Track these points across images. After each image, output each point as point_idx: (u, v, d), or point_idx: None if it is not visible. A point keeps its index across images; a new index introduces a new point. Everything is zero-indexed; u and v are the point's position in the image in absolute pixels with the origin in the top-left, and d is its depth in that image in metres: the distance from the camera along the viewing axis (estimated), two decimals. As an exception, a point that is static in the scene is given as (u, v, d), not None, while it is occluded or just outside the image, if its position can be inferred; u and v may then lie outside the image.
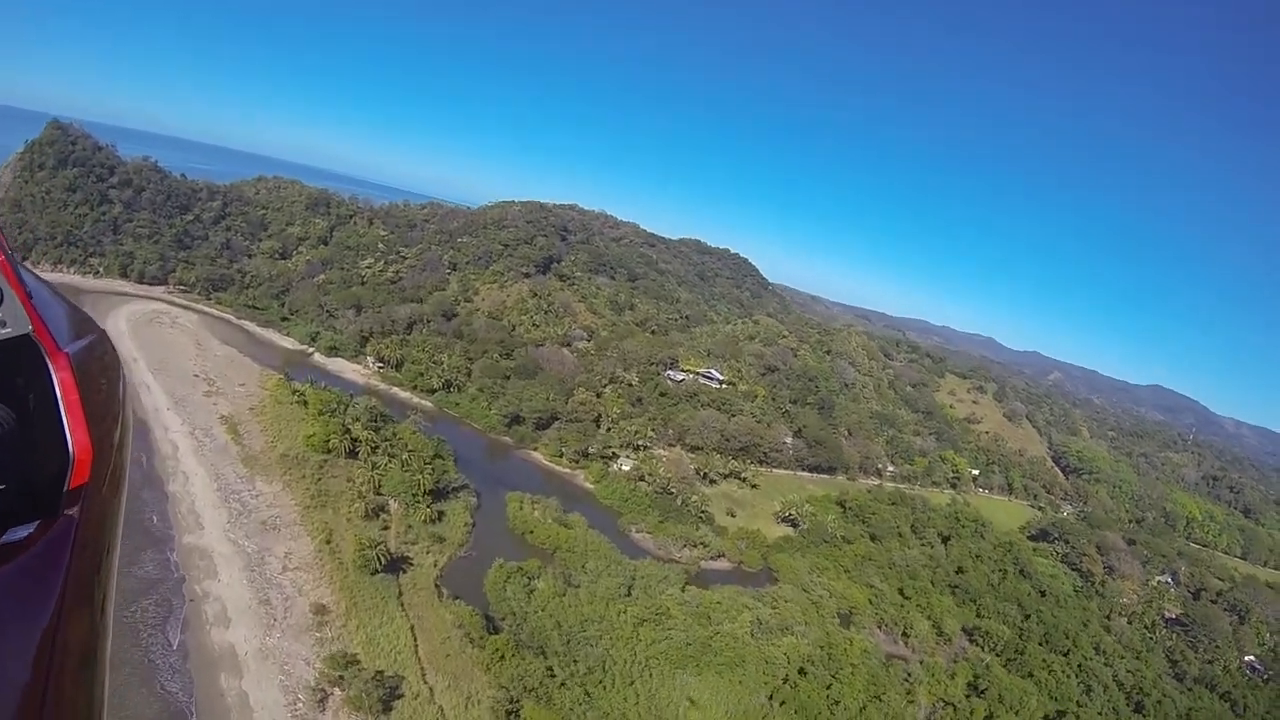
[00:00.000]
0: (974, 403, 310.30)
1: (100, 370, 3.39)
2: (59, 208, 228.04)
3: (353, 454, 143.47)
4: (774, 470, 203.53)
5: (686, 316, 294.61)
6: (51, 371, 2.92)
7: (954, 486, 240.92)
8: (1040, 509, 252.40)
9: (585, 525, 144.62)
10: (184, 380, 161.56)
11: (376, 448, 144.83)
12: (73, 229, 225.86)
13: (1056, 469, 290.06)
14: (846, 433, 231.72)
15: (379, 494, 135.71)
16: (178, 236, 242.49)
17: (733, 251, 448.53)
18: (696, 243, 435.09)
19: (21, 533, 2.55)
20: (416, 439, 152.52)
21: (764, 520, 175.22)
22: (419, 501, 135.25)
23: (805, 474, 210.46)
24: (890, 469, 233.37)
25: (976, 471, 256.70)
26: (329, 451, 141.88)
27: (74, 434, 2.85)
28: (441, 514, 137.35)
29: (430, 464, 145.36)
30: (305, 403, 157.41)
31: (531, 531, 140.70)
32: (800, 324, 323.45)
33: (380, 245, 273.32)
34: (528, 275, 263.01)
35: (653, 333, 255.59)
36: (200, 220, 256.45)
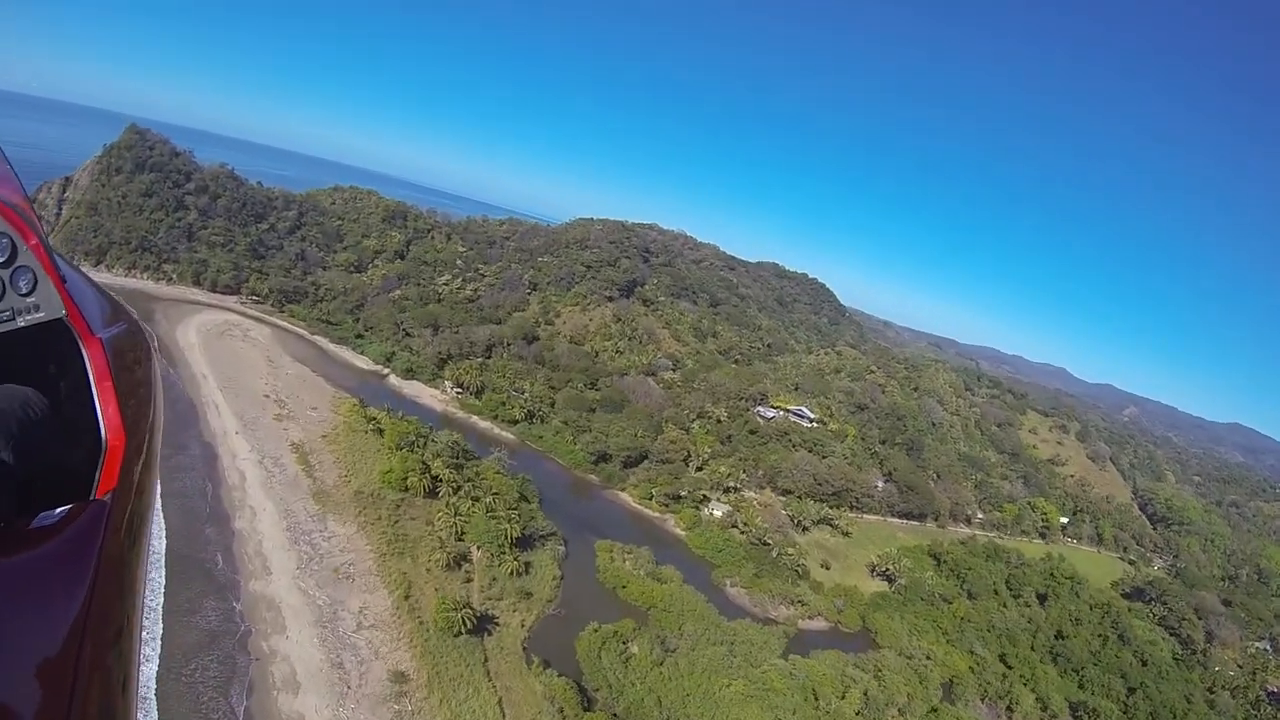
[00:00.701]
0: (1058, 443, 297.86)
1: (133, 355, 3.38)
2: (134, 213, 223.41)
3: (432, 493, 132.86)
4: (865, 516, 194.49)
5: (768, 345, 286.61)
6: (85, 356, 2.97)
7: (1043, 536, 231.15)
8: (1131, 563, 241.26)
9: (680, 580, 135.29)
10: (254, 401, 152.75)
11: (458, 488, 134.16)
12: (147, 234, 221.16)
13: (1144, 518, 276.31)
14: (935, 475, 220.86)
15: (461, 539, 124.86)
16: (252, 245, 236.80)
17: (810, 276, 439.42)
18: (775, 266, 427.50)
19: (55, 517, 2.56)
20: (501, 480, 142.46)
21: (858, 573, 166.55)
22: (505, 552, 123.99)
23: (896, 520, 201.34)
24: (979, 516, 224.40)
25: (1066, 520, 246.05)
26: (406, 489, 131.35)
27: (107, 418, 2.89)
28: (528, 565, 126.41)
29: (516, 508, 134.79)
30: (381, 431, 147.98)
31: (624, 586, 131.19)
32: (885, 357, 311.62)
33: (458, 262, 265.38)
34: (610, 299, 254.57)
35: (736, 362, 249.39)
36: (275, 229, 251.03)
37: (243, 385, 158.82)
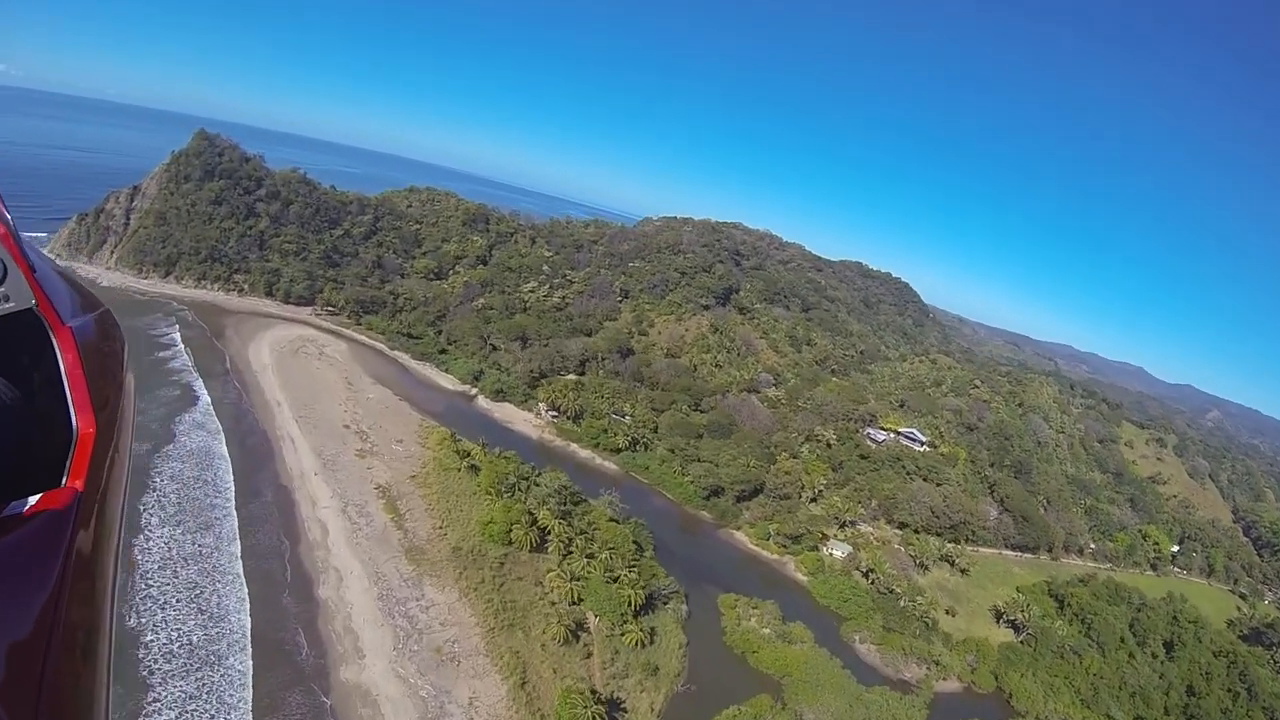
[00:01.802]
0: (1158, 459, 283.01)
1: (104, 345, 3.38)
2: (204, 221, 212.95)
3: (540, 547, 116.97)
4: (980, 550, 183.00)
5: (861, 352, 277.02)
6: (55, 345, 3.00)
7: (1155, 568, 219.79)
8: (1243, 597, 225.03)
9: (811, 641, 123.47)
10: (333, 434, 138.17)
11: (569, 542, 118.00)
12: (217, 244, 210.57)
13: (1249, 544, 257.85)
14: (1045, 501, 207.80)
15: (576, 603, 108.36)
16: (326, 253, 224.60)
17: (894, 276, 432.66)
18: (859, 265, 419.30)
19: (24, 505, 2.59)
20: (614, 529, 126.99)
21: (982, 620, 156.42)
22: (627, 621, 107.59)
23: (1010, 553, 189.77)
24: (1091, 546, 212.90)
25: (1175, 548, 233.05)
26: (510, 543, 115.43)
27: (77, 407, 2.91)
28: (652, 631, 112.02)
29: (635, 566, 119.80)
30: (476, 469, 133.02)
31: (754, 652, 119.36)
32: (986, 370, 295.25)
33: (545, 267, 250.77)
34: (706, 307, 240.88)
35: (833, 372, 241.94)
36: (350, 235, 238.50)
37: (320, 414, 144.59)
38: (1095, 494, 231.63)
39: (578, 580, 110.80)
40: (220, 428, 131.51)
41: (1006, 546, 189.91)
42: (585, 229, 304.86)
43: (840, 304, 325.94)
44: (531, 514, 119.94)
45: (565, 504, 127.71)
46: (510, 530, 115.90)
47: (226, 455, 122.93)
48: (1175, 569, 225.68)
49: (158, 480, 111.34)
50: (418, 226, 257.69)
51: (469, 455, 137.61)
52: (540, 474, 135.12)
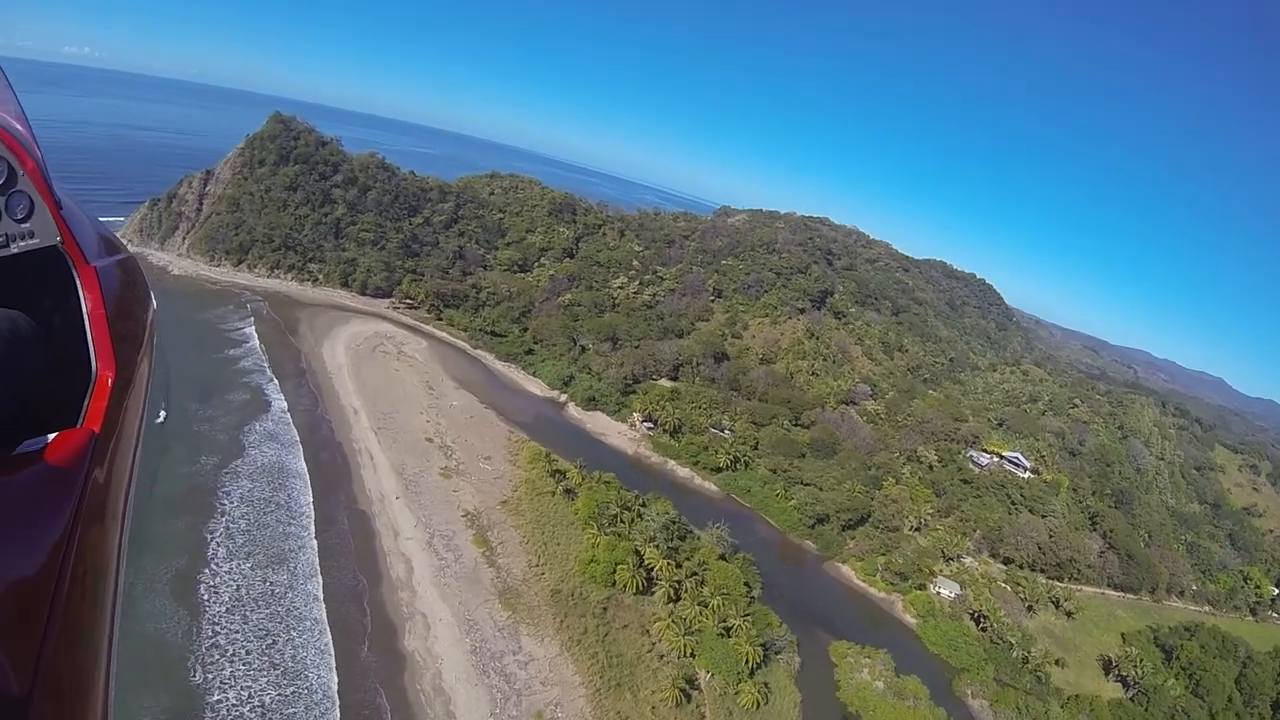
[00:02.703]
0: (1253, 488, 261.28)
1: (127, 288, 3.44)
2: (278, 208, 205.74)
3: (646, 589, 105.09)
4: (1081, 589, 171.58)
5: (950, 359, 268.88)
6: (78, 284, 3.04)
7: (1254, 613, 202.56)
8: None
9: (927, 698, 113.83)
10: (415, 449, 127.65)
11: (679, 585, 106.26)
12: (292, 231, 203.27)
13: None
14: (1147, 536, 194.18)
15: (687, 656, 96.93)
16: (405, 242, 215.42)
17: (978, 277, 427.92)
18: (943, 265, 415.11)
19: (40, 443, 2.59)
20: (724, 569, 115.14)
21: (1091, 672, 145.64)
22: (743, 680, 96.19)
23: (1112, 593, 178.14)
24: (1193, 587, 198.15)
25: (1277, 591, 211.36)
26: (614, 584, 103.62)
27: (98, 350, 2.96)
28: (767, 688, 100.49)
29: (748, 611, 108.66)
30: (571, 493, 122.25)
31: (870, 710, 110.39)
32: (1084, 387, 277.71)
33: (635, 262, 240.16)
34: (802, 310, 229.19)
35: (925, 380, 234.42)
36: (430, 224, 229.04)
37: (401, 425, 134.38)
38: (1196, 529, 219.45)
39: (691, 636, 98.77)
40: (297, 439, 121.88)
41: (1109, 586, 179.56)
42: (675, 222, 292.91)
43: (928, 307, 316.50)
44: (638, 553, 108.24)
45: (673, 538, 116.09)
46: (615, 571, 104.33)
47: (304, 473, 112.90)
48: (1274, 614, 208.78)
49: (226, 503, 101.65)
50: (501, 215, 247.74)
51: (564, 476, 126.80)
52: (645, 503, 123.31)
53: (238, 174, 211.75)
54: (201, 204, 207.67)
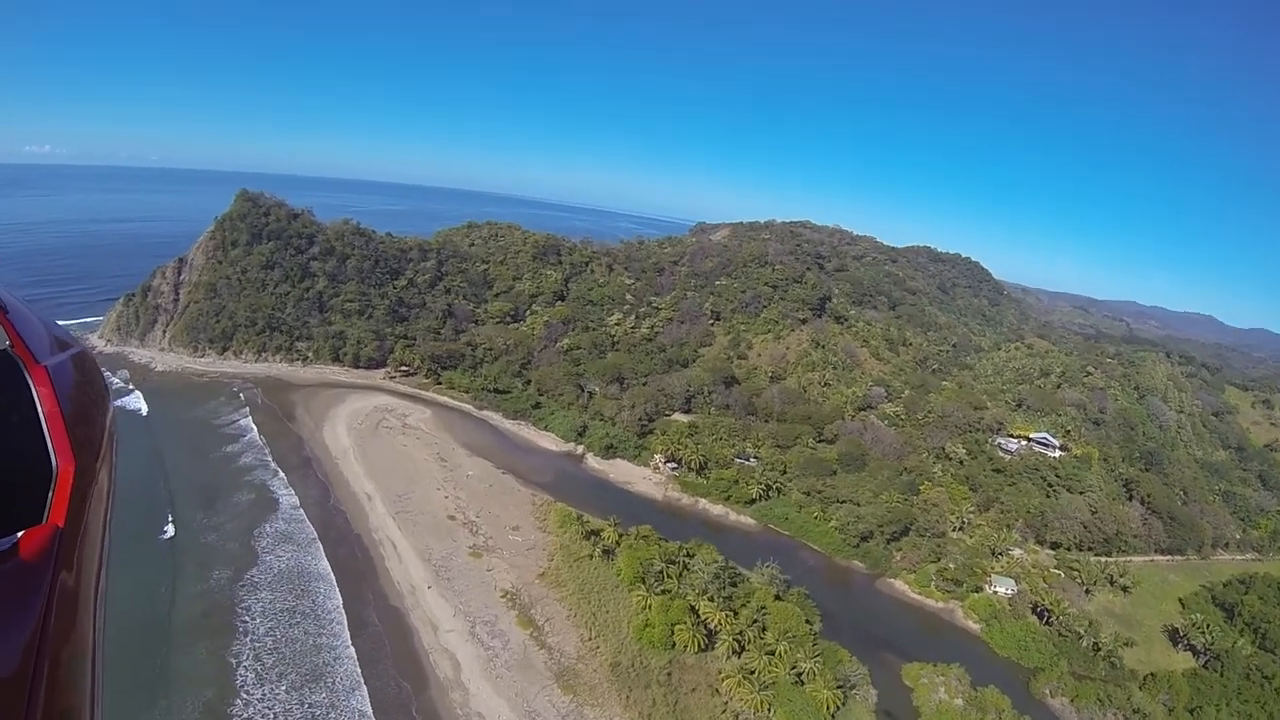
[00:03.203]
0: (1270, 424, 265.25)
1: (81, 382, 3.48)
2: (257, 289, 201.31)
3: (708, 645, 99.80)
4: (1131, 559, 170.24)
5: (954, 345, 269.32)
6: (30, 383, 3.10)
7: None
8: None
9: (1010, 708, 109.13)
10: (437, 529, 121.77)
11: (741, 636, 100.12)
12: (274, 311, 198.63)
13: None
14: (1183, 494, 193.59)
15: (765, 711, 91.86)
16: (391, 308, 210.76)
17: (964, 257, 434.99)
18: (928, 250, 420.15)
19: (7, 542, 2.65)
20: (783, 611, 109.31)
21: (1160, 646, 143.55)
22: None
23: (1160, 558, 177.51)
24: (1236, 536, 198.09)
25: None
26: (673, 645, 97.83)
27: (56, 446, 3.00)
28: None
29: (816, 651, 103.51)
30: (609, 553, 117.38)
31: None
32: (1094, 352, 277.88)
33: (628, 296, 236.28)
34: (804, 320, 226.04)
35: (934, 371, 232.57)
36: (414, 285, 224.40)
37: (418, 505, 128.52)
38: (1226, 476, 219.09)
39: (766, 691, 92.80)
40: (314, 536, 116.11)
41: (1156, 551, 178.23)
42: (662, 249, 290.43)
43: (922, 295, 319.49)
44: (693, 609, 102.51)
45: (723, 586, 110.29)
46: (672, 631, 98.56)
47: (327, 574, 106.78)
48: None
49: (247, 620, 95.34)
50: (485, 266, 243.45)
51: (599, 536, 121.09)
52: (689, 553, 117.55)
53: (211, 258, 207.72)
54: (178, 294, 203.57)
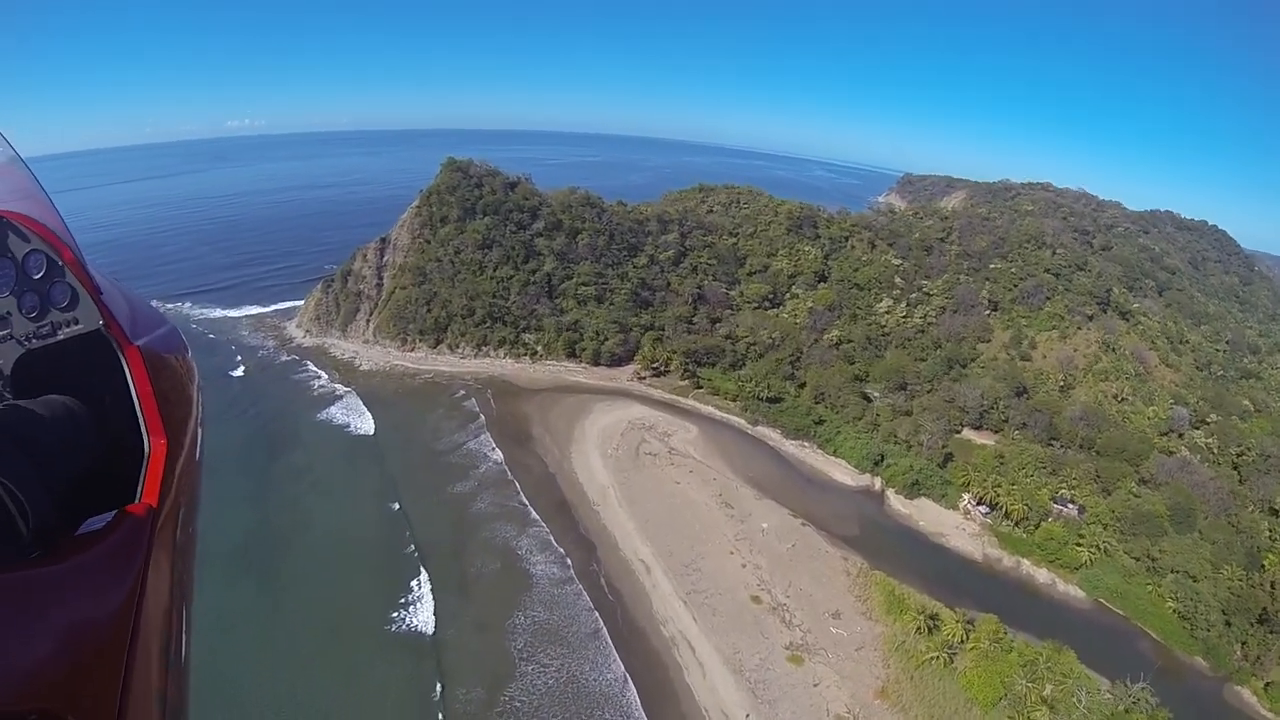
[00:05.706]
0: None
1: (171, 360, 3.65)
2: (474, 272, 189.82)
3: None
4: None
5: (1228, 341, 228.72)
6: (124, 363, 3.30)
7: None
8: None
9: None
10: (741, 619, 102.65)
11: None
12: (495, 298, 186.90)
13: None
14: None
15: None
16: (633, 292, 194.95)
17: (1211, 224, 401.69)
18: (1171, 216, 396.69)
19: (101, 522, 2.79)
20: None
21: None
22: None
23: None
24: None
25: None
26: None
27: (149, 424, 3.19)
28: None
29: None
30: (950, 649, 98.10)
31: None
32: None
33: (897, 279, 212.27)
34: (1090, 317, 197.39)
35: (1218, 379, 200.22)
36: (656, 263, 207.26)
37: (710, 578, 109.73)
38: None
39: None
40: (601, 629, 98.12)
41: None
42: (922, 221, 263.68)
43: (1181, 275, 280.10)
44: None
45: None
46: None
47: (629, 700, 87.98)
48: None
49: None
50: (734, 240, 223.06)
51: (937, 625, 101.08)
52: (1050, 662, 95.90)
53: (418, 237, 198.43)
54: (381, 278, 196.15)
